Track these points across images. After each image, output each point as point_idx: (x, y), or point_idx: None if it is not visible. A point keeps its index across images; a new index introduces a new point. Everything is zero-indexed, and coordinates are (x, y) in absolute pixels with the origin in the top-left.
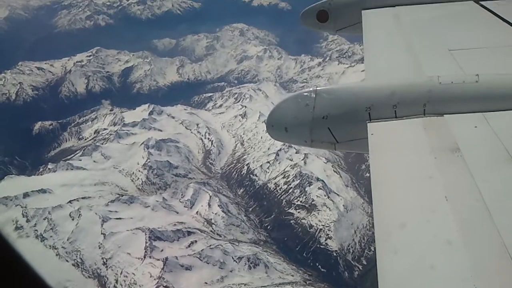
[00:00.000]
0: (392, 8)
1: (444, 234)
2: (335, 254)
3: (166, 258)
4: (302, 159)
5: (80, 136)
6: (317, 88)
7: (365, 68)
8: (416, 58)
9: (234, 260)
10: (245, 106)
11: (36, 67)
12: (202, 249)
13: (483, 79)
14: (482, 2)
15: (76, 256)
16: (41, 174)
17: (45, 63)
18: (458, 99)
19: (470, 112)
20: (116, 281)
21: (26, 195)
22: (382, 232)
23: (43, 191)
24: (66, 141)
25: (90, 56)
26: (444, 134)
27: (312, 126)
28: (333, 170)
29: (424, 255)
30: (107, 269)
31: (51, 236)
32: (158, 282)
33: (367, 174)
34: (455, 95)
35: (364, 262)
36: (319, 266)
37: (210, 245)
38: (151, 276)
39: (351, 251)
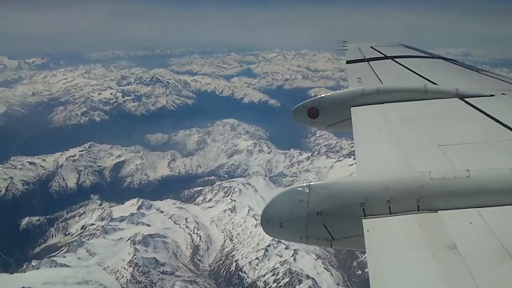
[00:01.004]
0: (380, 105)
1: None
2: None
3: None
4: (292, 255)
5: (67, 232)
6: (311, 183)
7: (356, 163)
8: (407, 153)
9: None
10: (235, 200)
11: (28, 162)
12: None
13: (474, 174)
14: (466, 99)
15: None
16: (24, 272)
17: (38, 158)
18: (450, 194)
19: (464, 208)
20: None
21: None
22: None
23: None
24: (53, 237)
25: (82, 150)
26: (440, 230)
27: (307, 222)
28: (324, 267)
29: None
30: None
31: None
32: None
33: (359, 272)
34: (447, 191)
35: None
36: None
37: None
38: None
39: None
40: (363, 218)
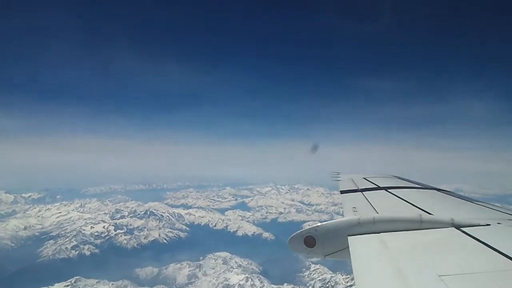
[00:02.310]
0: (377, 235)
1: None
2: None
3: None
4: None
5: None
6: None
7: None
8: (408, 283)
9: None
10: None
11: None
12: None
13: None
14: (462, 229)
15: None
16: None
17: None
18: None
19: None
20: None
21: None
22: None
23: None
24: None
25: (68, 285)
26: None
27: None
28: None
29: None
30: None
31: None
32: None
33: None
34: None
35: None
36: None
37: None
38: None
39: None
40: None
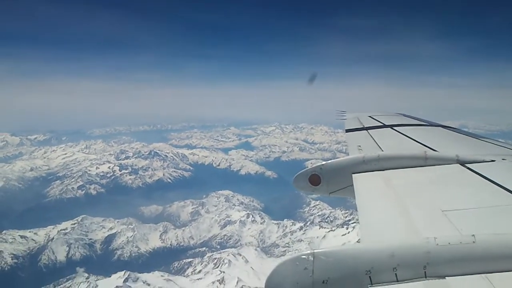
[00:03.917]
0: (381, 172)
1: None
2: None
3: None
4: None
5: None
6: (315, 251)
7: (360, 230)
8: (411, 219)
9: None
10: (224, 272)
11: (19, 235)
12: None
13: (479, 239)
14: (467, 165)
15: None
16: None
17: (29, 232)
18: (457, 260)
19: (472, 274)
20: None
21: None
22: None
23: None
24: None
25: (75, 224)
26: None
27: None
28: None
29: None
30: None
31: None
32: None
33: None
34: (453, 257)
35: None
36: None
37: None
38: None
39: None
40: (370, 286)
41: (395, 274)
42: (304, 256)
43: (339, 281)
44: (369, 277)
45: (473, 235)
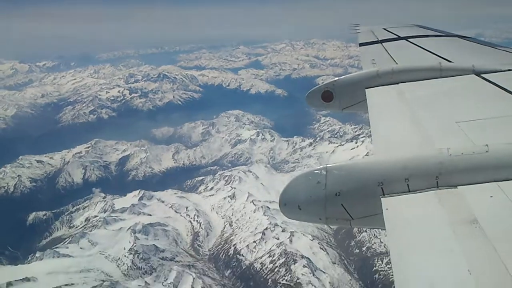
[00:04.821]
0: (395, 86)
1: None
2: None
3: None
4: (288, 237)
5: (71, 225)
6: (328, 165)
7: (373, 143)
8: (424, 131)
9: None
10: (235, 188)
11: (36, 160)
12: None
13: (493, 148)
14: (483, 75)
15: None
16: (29, 263)
17: (45, 156)
18: (470, 169)
19: (484, 182)
20: None
21: (9, 284)
22: None
23: (27, 279)
24: (58, 230)
25: (89, 147)
26: (460, 206)
27: (326, 204)
28: (320, 247)
29: None
30: None
31: None
32: None
33: (357, 250)
34: (466, 166)
35: None
36: None
37: None
38: None
39: None
40: (382, 197)
41: (407, 184)
42: (317, 171)
43: (351, 193)
44: (381, 188)
45: (487, 145)
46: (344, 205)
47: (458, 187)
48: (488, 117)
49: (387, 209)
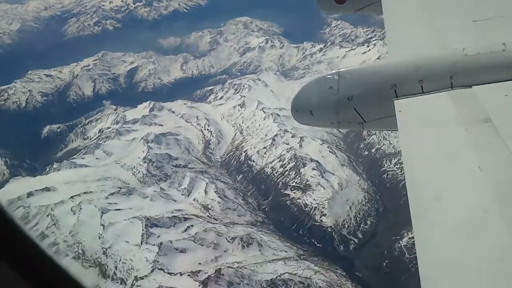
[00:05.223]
0: None
1: (480, 204)
2: (330, 230)
3: (161, 243)
4: (298, 142)
5: (85, 136)
6: (340, 70)
7: (387, 45)
8: (439, 31)
9: (228, 241)
10: (244, 96)
11: (45, 74)
12: (197, 232)
13: (510, 47)
14: None
15: (77, 248)
16: (47, 174)
17: (54, 70)
18: (485, 69)
19: (499, 81)
20: (116, 267)
21: (30, 194)
22: (417, 208)
23: (47, 189)
24: (72, 141)
25: (96, 60)
26: (474, 105)
27: (338, 108)
28: (329, 151)
29: (461, 226)
30: (107, 258)
31: (53, 232)
32: (153, 265)
33: (366, 152)
34: (482, 65)
35: (360, 236)
36: (315, 242)
37: (205, 229)
38: (147, 261)
39: (346, 226)
40: (395, 99)
41: (421, 86)
42: (329, 76)
43: (364, 97)
44: (394, 90)
45: (504, 43)
46: (356, 108)
47: (472, 87)
48: (504, 15)
49: (400, 111)
